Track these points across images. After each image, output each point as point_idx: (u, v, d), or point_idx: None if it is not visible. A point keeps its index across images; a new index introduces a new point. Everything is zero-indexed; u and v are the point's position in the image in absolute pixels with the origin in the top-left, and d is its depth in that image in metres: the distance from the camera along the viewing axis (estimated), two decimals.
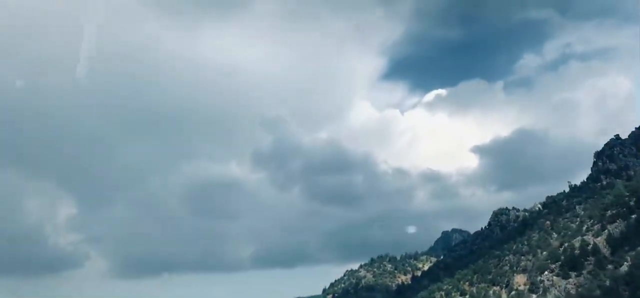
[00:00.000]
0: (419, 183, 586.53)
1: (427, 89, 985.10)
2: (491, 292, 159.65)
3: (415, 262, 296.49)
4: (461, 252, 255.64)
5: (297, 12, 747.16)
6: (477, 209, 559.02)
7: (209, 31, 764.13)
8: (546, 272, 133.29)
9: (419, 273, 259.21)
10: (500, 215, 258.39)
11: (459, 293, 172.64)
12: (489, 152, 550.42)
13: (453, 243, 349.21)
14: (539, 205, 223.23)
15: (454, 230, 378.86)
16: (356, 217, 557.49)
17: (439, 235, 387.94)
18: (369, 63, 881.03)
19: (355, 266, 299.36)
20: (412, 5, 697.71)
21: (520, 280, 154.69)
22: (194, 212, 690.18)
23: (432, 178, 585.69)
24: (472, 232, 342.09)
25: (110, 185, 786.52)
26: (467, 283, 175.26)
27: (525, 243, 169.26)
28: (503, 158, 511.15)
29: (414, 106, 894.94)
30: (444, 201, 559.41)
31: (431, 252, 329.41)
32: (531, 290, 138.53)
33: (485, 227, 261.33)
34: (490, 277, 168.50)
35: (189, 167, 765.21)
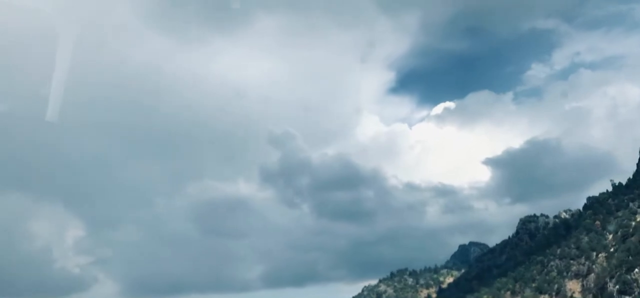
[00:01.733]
0: (430, 198, 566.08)
1: (435, 101, 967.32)
2: None
3: (436, 275, 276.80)
4: (488, 263, 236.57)
5: (303, 28, 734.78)
6: (490, 223, 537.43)
7: (213, 49, 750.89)
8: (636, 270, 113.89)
9: (442, 287, 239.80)
10: (528, 223, 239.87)
11: None
12: (501, 164, 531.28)
13: (471, 257, 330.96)
14: (563, 213, 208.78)
15: (472, 243, 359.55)
16: (367, 233, 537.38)
17: (454, 249, 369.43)
18: (376, 77, 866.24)
19: (367, 283, 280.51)
20: (418, 18, 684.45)
21: (573, 286, 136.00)
22: (202, 232, 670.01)
23: (443, 192, 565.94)
24: (490, 244, 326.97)
25: (117, 207, 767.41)
26: (508, 292, 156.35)
27: (572, 246, 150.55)
28: (516, 170, 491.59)
29: (423, 119, 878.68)
30: (457, 215, 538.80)
31: (449, 266, 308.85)
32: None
33: (512, 235, 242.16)
34: (534, 284, 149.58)
35: (195, 186, 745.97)
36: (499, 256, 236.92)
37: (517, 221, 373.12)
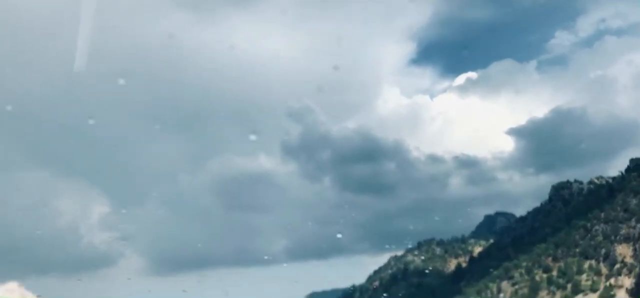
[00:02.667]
0: (453, 169, 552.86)
1: (457, 72, 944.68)
2: (586, 265, 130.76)
3: (464, 245, 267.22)
4: (520, 231, 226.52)
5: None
6: (514, 193, 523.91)
7: (230, 22, 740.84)
8: None
9: (473, 256, 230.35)
10: (560, 190, 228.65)
11: (541, 269, 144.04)
12: (525, 133, 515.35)
13: (497, 227, 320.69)
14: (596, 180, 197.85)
15: (498, 214, 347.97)
16: (389, 206, 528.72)
17: (479, 220, 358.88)
18: (396, 48, 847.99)
19: (391, 255, 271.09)
20: None
21: (623, 250, 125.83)
22: (225, 207, 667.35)
23: (466, 163, 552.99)
24: (516, 214, 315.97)
25: (140, 183, 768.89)
26: (549, 257, 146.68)
27: (619, 209, 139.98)
28: (540, 140, 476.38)
29: (445, 91, 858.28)
30: (480, 186, 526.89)
31: (475, 236, 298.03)
32: None
33: (544, 202, 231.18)
34: (578, 249, 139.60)
35: (217, 161, 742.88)
36: (530, 224, 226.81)
37: (541, 190, 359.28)
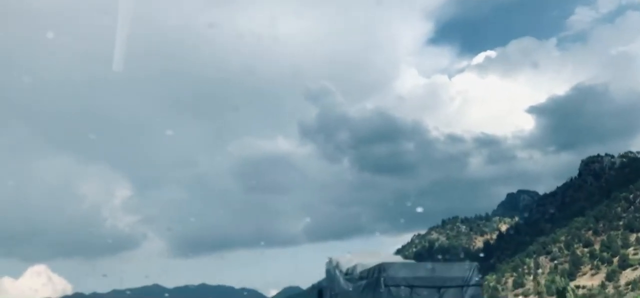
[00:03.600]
0: (473, 149, 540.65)
1: (476, 51, 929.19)
2: (633, 238, 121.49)
3: (488, 223, 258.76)
4: (549, 206, 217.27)
5: None
6: (534, 172, 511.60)
7: (247, 5, 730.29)
8: None
9: (502, 232, 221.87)
10: (591, 164, 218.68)
11: (581, 244, 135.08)
12: (546, 111, 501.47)
13: (521, 204, 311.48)
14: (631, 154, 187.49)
15: (521, 191, 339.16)
16: (408, 186, 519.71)
17: (499, 199, 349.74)
18: (414, 28, 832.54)
19: (414, 233, 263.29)
20: None
21: None
22: (245, 189, 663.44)
23: (486, 142, 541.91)
24: (539, 192, 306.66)
25: (161, 166, 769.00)
26: (589, 231, 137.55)
27: None
28: (561, 118, 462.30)
29: (463, 70, 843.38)
30: (500, 165, 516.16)
31: (499, 214, 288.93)
32: None
33: (574, 177, 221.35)
34: (621, 222, 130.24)
35: (236, 144, 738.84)
36: (560, 199, 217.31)
37: (563, 168, 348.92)
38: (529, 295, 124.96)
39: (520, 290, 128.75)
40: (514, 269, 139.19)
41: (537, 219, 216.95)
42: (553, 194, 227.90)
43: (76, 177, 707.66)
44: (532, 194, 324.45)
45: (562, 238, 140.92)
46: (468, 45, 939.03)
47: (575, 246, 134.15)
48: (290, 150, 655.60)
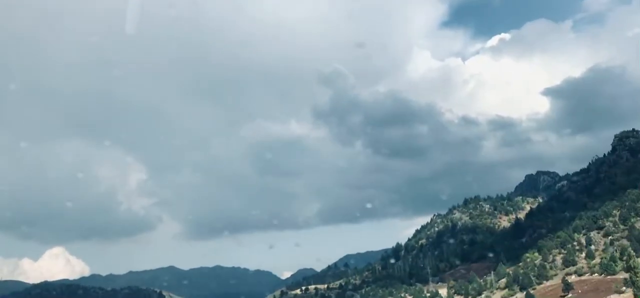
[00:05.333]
0: (488, 132, 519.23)
1: (490, 34, 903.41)
2: None
3: (511, 202, 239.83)
4: (582, 183, 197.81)
5: None
6: (550, 155, 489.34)
7: None
8: None
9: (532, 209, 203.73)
10: (626, 139, 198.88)
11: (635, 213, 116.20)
12: (561, 93, 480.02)
13: (541, 185, 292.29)
14: None
15: (540, 172, 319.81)
16: (422, 169, 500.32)
17: (516, 181, 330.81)
18: (427, 11, 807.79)
19: (424, 218, 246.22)
20: None
21: None
22: (258, 172, 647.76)
23: (501, 125, 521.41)
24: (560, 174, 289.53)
25: (175, 150, 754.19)
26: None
27: None
28: (577, 100, 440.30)
29: (477, 52, 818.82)
30: (515, 148, 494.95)
31: (519, 195, 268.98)
32: None
33: (607, 154, 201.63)
34: None
35: (249, 128, 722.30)
36: (594, 175, 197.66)
37: (580, 151, 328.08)
38: (582, 273, 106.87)
39: (572, 269, 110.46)
40: (562, 246, 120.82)
41: (569, 197, 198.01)
42: (586, 171, 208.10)
43: (91, 160, 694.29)
44: (553, 175, 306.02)
45: (615, 212, 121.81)
46: (482, 28, 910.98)
47: (632, 219, 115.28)
48: (303, 134, 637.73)
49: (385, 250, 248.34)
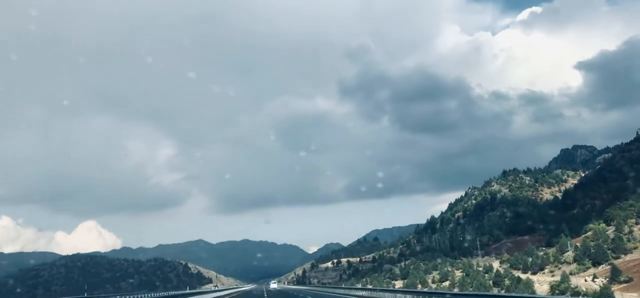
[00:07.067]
0: (518, 107, 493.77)
1: (521, 7, 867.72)
2: None
3: (548, 175, 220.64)
4: (636, 154, 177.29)
5: None
6: (582, 130, 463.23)
7: None
8: None
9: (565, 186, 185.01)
10: None
11: None
12: (595, 67, 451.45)
13: (578, 159, 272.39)
14: None
15: (577, 146, 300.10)
16: (450, 145, 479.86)
17: (555, 154, 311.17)
18: None
19: (453, 195, 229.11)
20: None
21: None
22: (285, 147, 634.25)
23: (532, 100, 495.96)
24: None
25: (203, 125, 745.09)
26: None
27: None
28: (611, 73, 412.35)
29: (507, 26, 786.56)
30: (546, 124, 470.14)
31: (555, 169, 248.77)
32: None
33: None
34: None
35: (275, 103, 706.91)
36: None
37: (613, 127, 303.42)
38: None
39: None
40: (624, 220, 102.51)
41: (620, 166, 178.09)
42: (637, 140, 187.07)
43: (121, 135, 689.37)
44: (591, 148, 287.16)
45: None
46: (512, 1, 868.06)
47: None
48: (329, 109, 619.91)
49: (418, 225, 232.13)
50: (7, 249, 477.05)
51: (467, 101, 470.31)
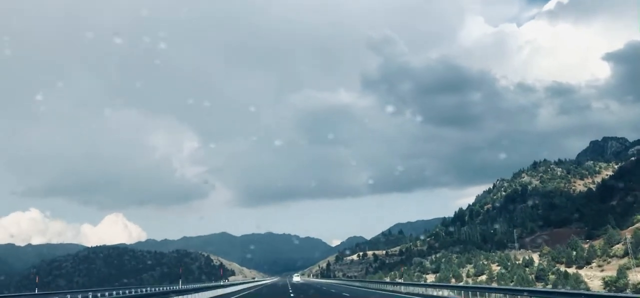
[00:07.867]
0: (544, 99, 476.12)
1: None
2: None
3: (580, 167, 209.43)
4: None
5: None
6: (610, 122, 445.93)
7: None
8: None
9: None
10: None
11: None
12: (623, 58, 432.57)
13: (609, 151, 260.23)
14: None
15: (606, 138, 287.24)
16: (474, 138, 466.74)
17: (580, 148, 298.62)
18: None
19: (477, 188, 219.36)
20: None
21: None
22: (307, 140, 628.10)
23: (559, 92, 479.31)
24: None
25: (226, 119, 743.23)
26: None
27: None
28: None
29: (533, 17, 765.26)
30: (573, 116, 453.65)
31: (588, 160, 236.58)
32: None
33: None
34: None
35: (297, 96, 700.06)
36: None
37: None
38: None
39: None
40: None
41: None
42: None
43: (145, 129, 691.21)
44: (622, 140, 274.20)
45: None
46: None
47: None
48: (351, 102, 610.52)
49: (444, 218, 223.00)
50: (36, 241, 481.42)
51: (491, 93, 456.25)
